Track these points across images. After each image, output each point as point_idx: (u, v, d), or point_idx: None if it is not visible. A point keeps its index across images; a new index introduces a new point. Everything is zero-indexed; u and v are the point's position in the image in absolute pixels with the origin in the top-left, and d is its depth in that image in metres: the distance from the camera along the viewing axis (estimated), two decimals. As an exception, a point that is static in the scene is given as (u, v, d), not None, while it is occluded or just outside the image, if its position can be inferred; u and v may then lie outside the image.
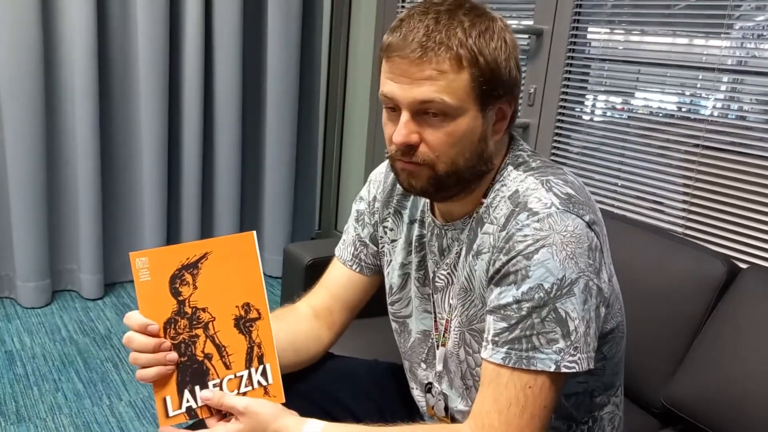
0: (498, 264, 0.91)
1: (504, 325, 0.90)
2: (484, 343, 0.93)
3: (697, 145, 1.85)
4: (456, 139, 0.91)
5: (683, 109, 1.92)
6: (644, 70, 2.01)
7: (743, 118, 1.77)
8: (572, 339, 0.88)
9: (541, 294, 0.87)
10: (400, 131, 0.91)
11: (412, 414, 1.22)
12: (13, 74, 2.50)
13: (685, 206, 1.89)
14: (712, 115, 1.83)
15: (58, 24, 2.59)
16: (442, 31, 0.88)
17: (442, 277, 1.06)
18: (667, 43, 1.95)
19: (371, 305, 1.25)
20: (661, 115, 1.97)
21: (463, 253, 1.01)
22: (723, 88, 1.83)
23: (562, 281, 0.87)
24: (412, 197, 1.14)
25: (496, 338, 0.90)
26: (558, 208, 0.90)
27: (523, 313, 0.88)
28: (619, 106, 2.11)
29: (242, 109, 3.03)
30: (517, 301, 0.88)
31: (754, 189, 1.72)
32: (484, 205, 0.99)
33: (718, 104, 1.83)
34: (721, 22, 1.79)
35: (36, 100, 2.56)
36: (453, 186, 0.96)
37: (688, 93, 1.91)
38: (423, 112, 0.90)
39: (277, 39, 2.99)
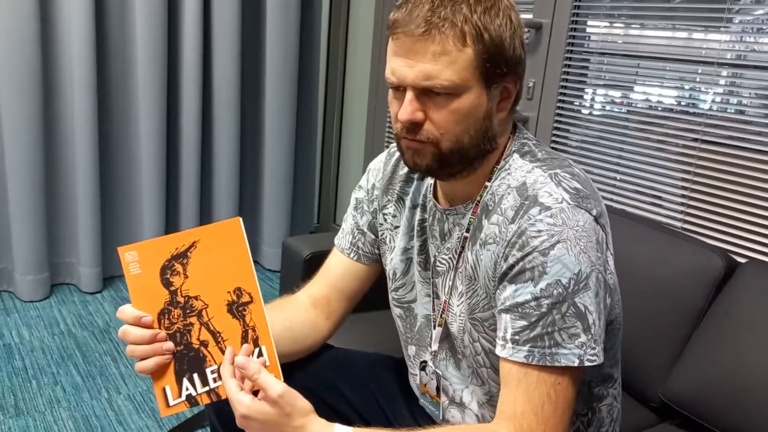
0: (512, 260, 0.91)
1: (524, 323, 0.90)
2: (500, 342, 0.93)
3: (696, 140, 1.85)
4: (461, 117, 0.92)
5: (682, 103, 1.92)
6: (643, 64, 2.01)
7: (742, 113, 1.77)
8: (592, 332, 0.89)
9: (560, 290, 0.88)
10: (405, 109, 0.92)
11: (411, 405, 1.23)
12: (11, 67, 2.49)
13: (684, 200, 1.89)
14: (711, 109, 1.83)
15: (56, 16, 2.58)
16: (448, 6, 0.89)
17: (444, 261, 1.07)
18: (667, 36, 1.95)
19: (369, 298, 1.26)
20: (660, 109, 1.97)
21: (467, 240, 1.02)
22: (722, 82, 1.82)
23: (578, 276, 0.88)
24: (414, 183, 1.14)
25: (516, 337, 0.90)
26: (569, 203, 0.91)
27: (543, 310, 0.88)
28: (618, 100, 2.11)
29: (241, 102, 3.02)
30: (536, 298, 0.89)
31: (752, 183, 1.72)
32: (489, 191, 0.99)
33: (717, 98, 1.83)
34: (721, 15, 1.79)
35: (34, 92, 2.55)
36: (457, 163, 0.96)
37: (687, 87, 1.90)
38: (427, 90, 0.91)
39: (276, 32, 2.98)
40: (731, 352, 1.38)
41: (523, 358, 0.90)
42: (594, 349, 0.90)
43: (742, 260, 1.54)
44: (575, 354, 0.88)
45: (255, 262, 3.35)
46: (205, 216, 3.14)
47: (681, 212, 1.90)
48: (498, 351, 0.93)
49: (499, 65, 0.92)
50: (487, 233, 0.97)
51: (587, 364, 0.89)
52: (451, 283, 1.05)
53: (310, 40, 3.16)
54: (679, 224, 1.90)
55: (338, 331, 1.24)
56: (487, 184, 1.00)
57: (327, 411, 1.20)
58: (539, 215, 0.90)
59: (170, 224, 3.05)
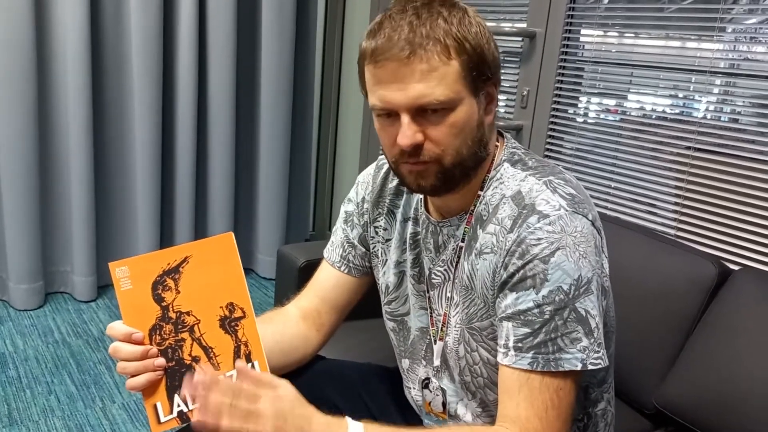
0: (512, 268, 0.91)
1: (527, 330, 0.90)
2: (501, 349, 0.93)
3: (689, 147, 1.86)
4: (458, 130, 0.92)
5: (676, 112, 1.93)
6: (637, 73, 2.02)
7: (735, 121, 1.78)
8: (595, 336, 0.90)
9: (561, 296, 0.88)
10: (404, 134, 0.91)
11: (405, 415, 1.22)
12: (6, 73, 2.49)
13: (677, 208, 1.90)
14: (704, 117, 1.84)
15: (51, 22, 2.58)
16: (426, 23, 0.89)
17: (439, 273, 1.07)
18: (660, 45, 1.96)
19: (362, 307, 1.25)
20: (653, 117, 1.98)
21: (463, 250, 1.02)
22: (715, 90, 1.83)
23: (579, 281, 0.89)
24: (404, 195, 1.14)
25: (519, 344, 0.90)
26: (566, 210, 0.91)
27: (546, 316, 0.89)
28: (612, 109, 2.12)
29: (236, 110, 3.03)
30: (538, 305, 0.89)
31: (745, 191, 1.73)
32: (482, 201, 1.00)
33: (711, 107, 1.84)
34: (713, 25, 1.80)
35: (28, 99, 2.55)
36: (459, 177, 0.96)
37: (680, 95, 1.92)
38: (421, 110, 0.91)
39: (271, 41, 2.99)
40: (725, 359, 1.38)
41: (528, 365, 0.90)
42: (598, 352, 0.90)
43: (735, 267, 1.55)
44: (578, 358, 0.89)
45: (250, 269, 3.34)
46: (200, 224, 3.13)
47: (675, 220, 1.91)
48: (500, 359, 0.93)
49: (483, 71, 0.93)
50: (483, 243, 0.97)
51: (591, 367, 0.89)
52: (449, 295, 1.05)
53: (306, 51, 3.17)
54: (672, 232, 1.91)
55: (330, 341, 1.23)
56: (480, 193, 1.01)
57: None
58: (538, 223, 0.90)
59: (165, 232, 3.05)
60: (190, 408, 0.94)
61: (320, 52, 3.35)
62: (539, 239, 0.89)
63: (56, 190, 2.76)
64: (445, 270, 1.06)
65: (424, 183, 0.95)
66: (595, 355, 0.90)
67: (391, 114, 0.93)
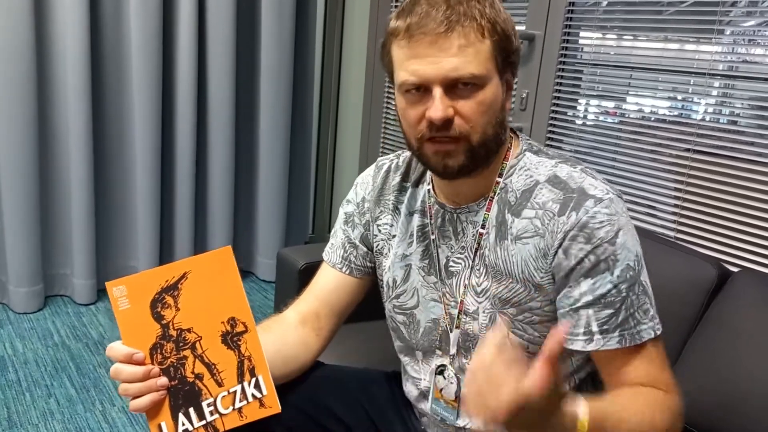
0: (580, 254, 0.94)
1: (609, 311, 0.95)
2: (582, 337, 0.96)
3: (688, 150, 1.86)
4: (486, 107, 0.95)
5: (675, 114, 1.93)
6: (636, 75, 2.02)
7: (734, 123, 1.78)
8: (653, 303, 0.99)
9: (631, 273, 0.95)
10: (437, 107, 0.92)
11: (405, 421, 1.22)
12: (5, 75, 2.49)
13: (677, 210, 1.90)
14: (703, 119, 1.84)
15: (50, 23, 2.58)
16: (463, 3, 0.93)
17: (458, 260, 1.07)
18: (659, 48, 1.96)
19: (360, 309, 1.25)
20: (652, 119, 1.98)
21: (487, 236, 1.03)
22: (714, 92, 1.84)
23: (638, 256, 0.96)
24: (408, 191, 1.15)
25: (605, 326, 0.95)
26: (612, 193, 0.97)
27: (623, 294, 0.95)
28: (611, 111, 2.12)
29: (235, 112, 3.03)
30: (615, 285, 0.94)
31: (744, 193, 1.73)
32: (507, 188, 1.02)
33: (710, 109, 1.84)
34: (712, 27, 1.80)
35: (28, 101, 2.55)
36: (483, 157, 0.99)
37: (679, 97, 1.92)
38: (453, 85, 0.93)
39: (271, 41, 2.99)
40: (725, 361, 1.38)
41: (616, 344, 0.95)
42: (657, 318, 0.98)
43: (735, 269, 1.55)
44: (651, 327, 0.97)
45: (250, 272, 3.34)
46: (200, 226, 3.13)
47: (674, 222, 1.91)
48: (581, 347, 0.97)
49: (509, 56, 0.97)
50: (522, 227, 0.99)
51: (659, 333, 0.97)
52: (467, 282, 1.06)
53: (305, 53, 3.18)
54: (672, 234, 1.91)
55: (329, 344, 1.22)
56: (499, 180, 1.03)
57: None
58: (595, 207, 0.94)
59: (165, 234, 3.05)
60: (195, 426, 0.93)
61: (320, 52, 3.35)
62: (602, 222, 0.94)
63: (56, 193, 2.76)
64: (465, 257, 1.06)
65: (452, 162, 0.97)
66: (659, 322, 0.98)
67: (420, 89, 0.94)
